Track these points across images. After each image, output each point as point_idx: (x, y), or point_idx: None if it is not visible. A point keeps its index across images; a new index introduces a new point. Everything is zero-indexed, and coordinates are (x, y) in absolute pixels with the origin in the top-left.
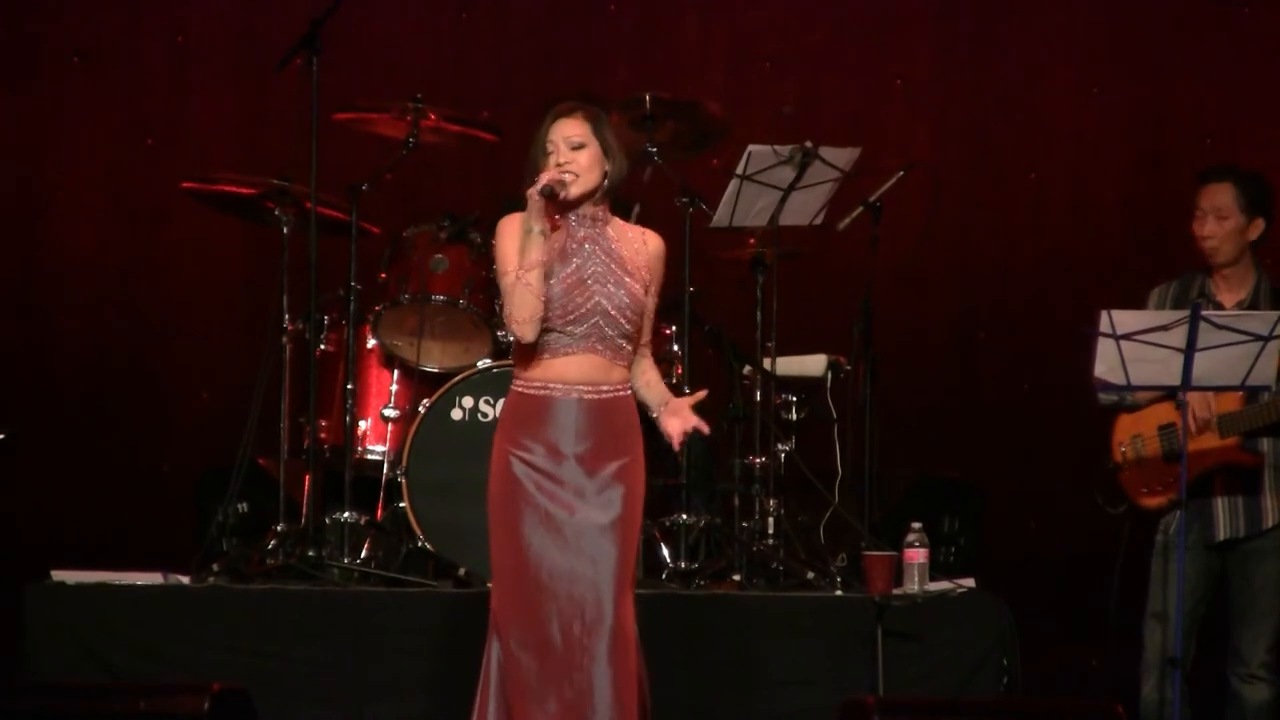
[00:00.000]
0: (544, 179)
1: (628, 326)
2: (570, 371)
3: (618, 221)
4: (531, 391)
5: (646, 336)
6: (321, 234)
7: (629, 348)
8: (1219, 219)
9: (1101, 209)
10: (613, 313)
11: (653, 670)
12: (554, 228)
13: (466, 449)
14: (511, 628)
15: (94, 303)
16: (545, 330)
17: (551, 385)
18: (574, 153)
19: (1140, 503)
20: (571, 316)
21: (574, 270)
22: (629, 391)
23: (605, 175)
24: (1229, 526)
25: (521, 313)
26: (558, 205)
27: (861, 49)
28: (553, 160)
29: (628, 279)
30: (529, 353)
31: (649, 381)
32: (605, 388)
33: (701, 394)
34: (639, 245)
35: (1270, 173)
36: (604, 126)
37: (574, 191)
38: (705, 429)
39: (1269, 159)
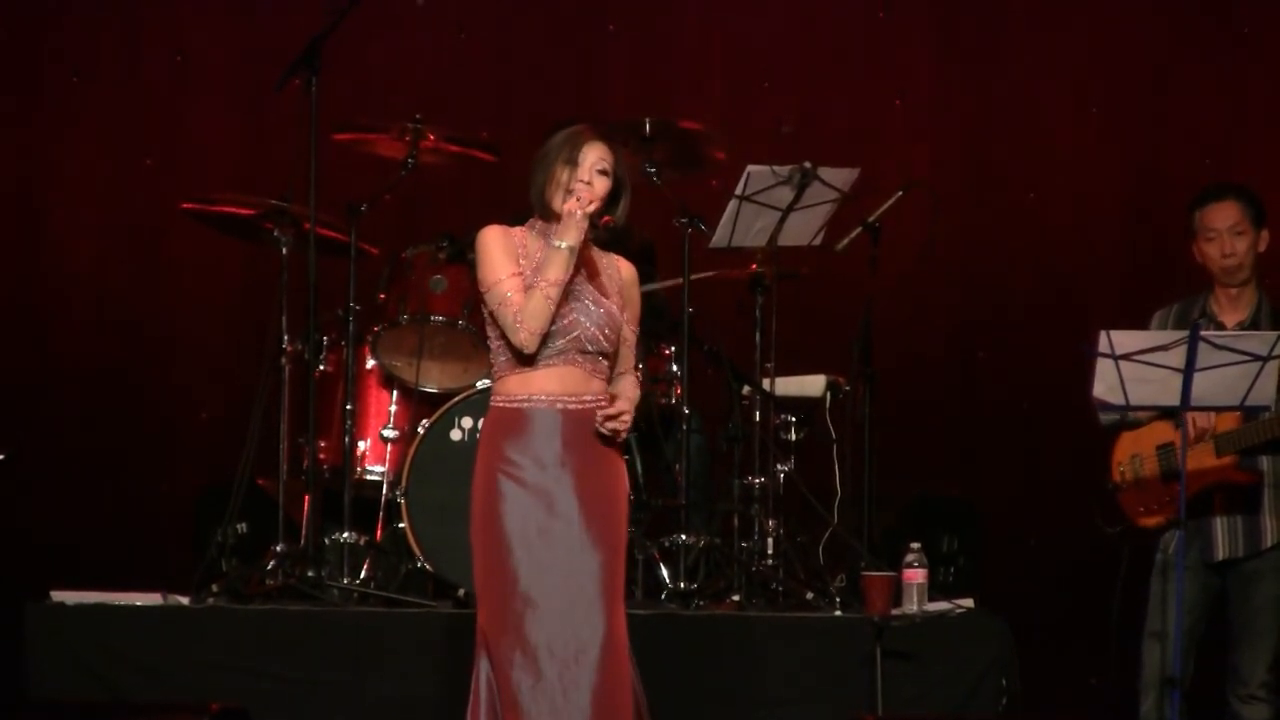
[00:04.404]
0: (587, 198)
1: (605, 344)
2: (551, 384)
3: (593, 247)
4: (514, 405)
5: (626, 364)
6: (320, 254)
7: (605, 364)
8: (1236, 235)
9: (1101, 228)
10: (592, 329)
11: (653, 691)
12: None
13: (465, 469)
14: (503, 645)
15: (93, 322)
16: None
17: (534, 398)
18: (598, 177)
19: (1139, 523)
20: (551, 329)
21: None
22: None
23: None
24: (1228, 546)
25: (536, 323)
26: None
27: (860, 68)
28: (578, 174)
29: (604, 299)
30: (509, 369)
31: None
32: (587, 397)
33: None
34: (612, 272)
35: (1270, 191)
36: (623, 165)
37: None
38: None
39: (1268, 178)
